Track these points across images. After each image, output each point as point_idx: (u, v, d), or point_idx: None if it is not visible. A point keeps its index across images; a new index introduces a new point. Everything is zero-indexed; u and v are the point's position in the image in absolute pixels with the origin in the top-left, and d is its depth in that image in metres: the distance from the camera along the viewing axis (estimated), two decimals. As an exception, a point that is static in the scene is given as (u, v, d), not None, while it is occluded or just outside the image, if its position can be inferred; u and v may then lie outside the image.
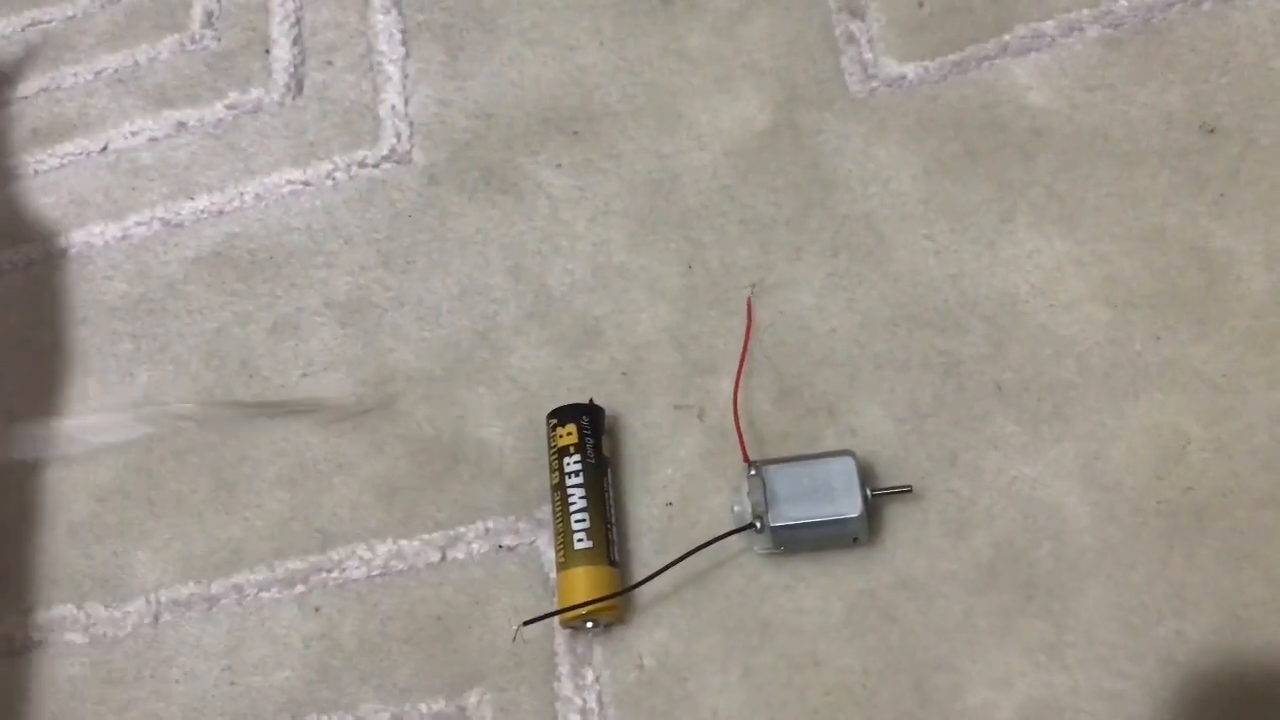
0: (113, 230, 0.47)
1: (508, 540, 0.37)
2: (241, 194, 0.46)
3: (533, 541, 0.37)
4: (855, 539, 0.35)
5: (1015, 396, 0.37)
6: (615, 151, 0.44)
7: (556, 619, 0.35)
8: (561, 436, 0.37)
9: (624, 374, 0.40)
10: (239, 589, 0.38)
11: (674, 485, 0.37)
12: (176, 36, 0.50)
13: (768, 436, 0.38)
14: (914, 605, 0.35)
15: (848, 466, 0.34)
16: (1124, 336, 0.37)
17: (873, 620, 0.35)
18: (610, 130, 0.44)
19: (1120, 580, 0.34)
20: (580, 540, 0.35)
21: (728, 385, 0.38)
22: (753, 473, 0.35)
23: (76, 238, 0.47)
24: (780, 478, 0.35)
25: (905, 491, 0.35)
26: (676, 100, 0.45)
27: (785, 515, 0.34)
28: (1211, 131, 0.40)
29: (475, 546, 0.37)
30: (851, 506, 0.34)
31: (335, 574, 0.38)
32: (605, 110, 0.45)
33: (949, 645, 0.34)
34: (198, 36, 0.50)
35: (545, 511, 0.37)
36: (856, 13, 0.44)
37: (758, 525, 0.34)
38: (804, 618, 0.35)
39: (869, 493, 0.34)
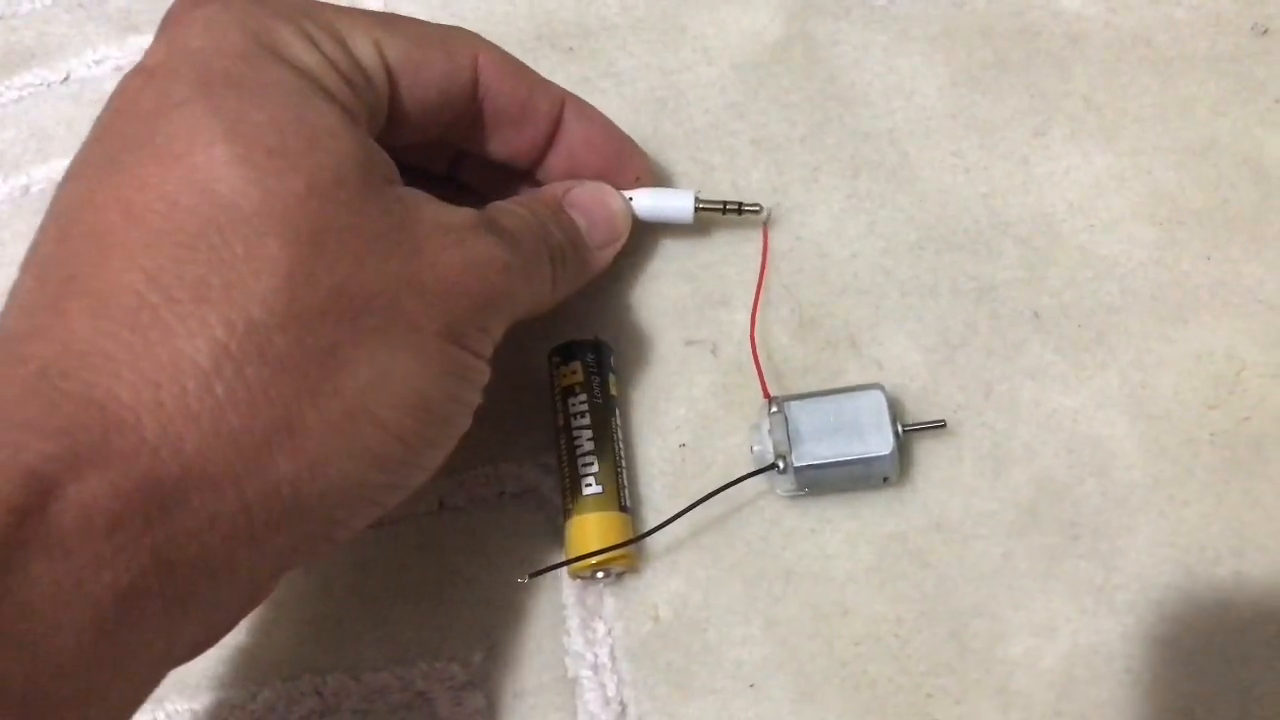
0: (78, 165, 0.44)
1: (511, 487, 0.35)
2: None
3: (537, 488, 0.35)
4: (885, 479, 0.32)
5: (1054, 323, 0.34)
6: (615, 69, 0.41)
7: (565, 569, 0.32)
8: (565, 375, 0.34)
9: (629, 308, 0.37)
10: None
11: (687, 425, 0.35)
12: (139, -46, 0.46)
13: (787, 371, 0.35)
14: (949, 548, 0.32)
15: (877, 400, 0.32)
16: (1171, 257, 0.35)
17: (905, 565, 0.32)
18: (608, 45, 0.41)
19: (1173, 518, 0.32)
20: (589, 485, 0.32)
21: (742, 318, 0.36)
22: (774, 409, 0.32)
23: (39, 174, 0.44)
24: (803, 414, 0.32)
25: (938, 427, 0.33)
26: (680, 11, 0.41)
27: (810, 454, 0.31)
28: (1265, 33, 0.37)
29: (476, 494, 0.35)
30: (882, 444, 0.31)
31: (325, 526, 0.35)
32: (602, 24, 0.41)
33: (987, 590, 0.32)
34: (162, -46, 0.46)
35: (549, 456, 0.35)
36: (874, -88, 0.41)
37: (780, 466, 0.32)
38: (831, 564, 0.32)
39: (900, 429, 0.32)
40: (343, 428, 0.24)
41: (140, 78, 0.26)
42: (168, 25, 0.27)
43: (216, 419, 0.22)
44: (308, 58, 0.26)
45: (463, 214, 0.28)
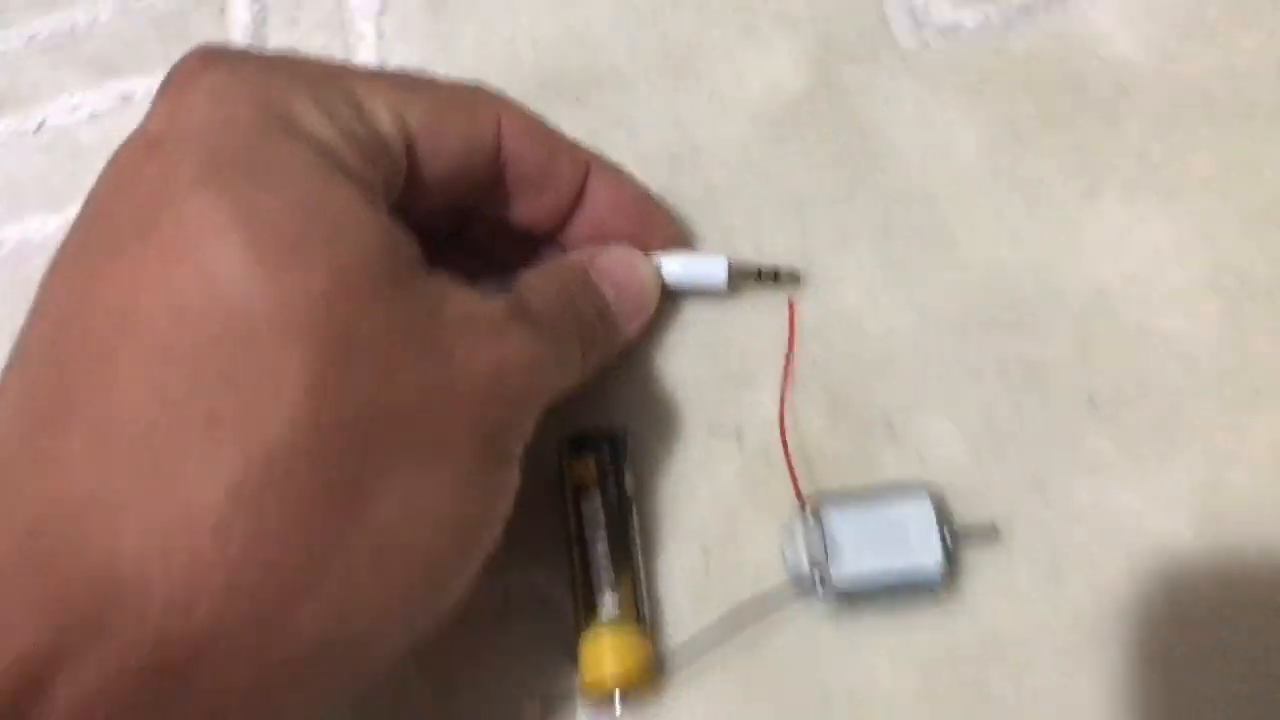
0: (53, 223, 0.41)
1: (518, 597, 0.32)
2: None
3: (548, 597, 0.32)
4: (932, 591, 0.29)
5: (1111, 410, 0.32)
6: (627, 121, 0.38)
7: (578, 690, 0.30)
8: (577, 471, 0.31)
9: (644, 387, 0.34)
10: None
11: (712, 524, 0.32)
12: (115, -5, 0.43)
13: (818, 460, 0.32)
14: (1003, 668, 0.29)
15: (923, 507, 0.29)
16: (1239, 334, 0.32)
17: (955, 690, 0.29)
18: (620, 96, 0.38)
19: (1248, 635, 0.29)
20: (604, 599, 0.30)
21: (767, 398, 0.33)
22: (809, 519, 0.29)
23: (10, 233, 0.41)
24: (842, 521, 0.29)
25: (990, 535, 0.30)
26: (695, 58, 0.38)
27: (850, 568, 0.29)
28: (1337, 85, 0.34)
29: (480, 605, 0.32)
30: (929, 555, 0.29)
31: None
32: (613, 72, 0.39)
33: (1046, 717, 0.29)
34: (139, -5, 0.43)
35: (560, 560, 0.32)
36: (905, -50, 0.38)
37: (818, 580, 0.29)
38: (873, 687, 0.30)
39: (948, 536, 0.29)
40: (373, 567, 0.22)
41: (141, 150, 0.24)
42: (170, 90, 0.24)
43: (232, 577, 0.20)
44: (324, 131, 0.24)
45: (492, 305, 0.26)
